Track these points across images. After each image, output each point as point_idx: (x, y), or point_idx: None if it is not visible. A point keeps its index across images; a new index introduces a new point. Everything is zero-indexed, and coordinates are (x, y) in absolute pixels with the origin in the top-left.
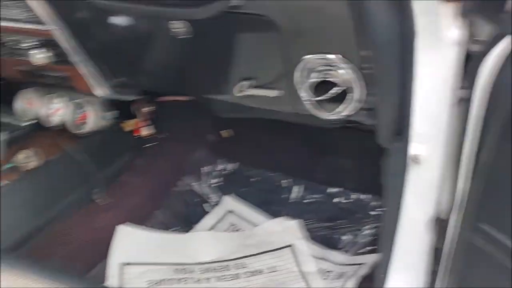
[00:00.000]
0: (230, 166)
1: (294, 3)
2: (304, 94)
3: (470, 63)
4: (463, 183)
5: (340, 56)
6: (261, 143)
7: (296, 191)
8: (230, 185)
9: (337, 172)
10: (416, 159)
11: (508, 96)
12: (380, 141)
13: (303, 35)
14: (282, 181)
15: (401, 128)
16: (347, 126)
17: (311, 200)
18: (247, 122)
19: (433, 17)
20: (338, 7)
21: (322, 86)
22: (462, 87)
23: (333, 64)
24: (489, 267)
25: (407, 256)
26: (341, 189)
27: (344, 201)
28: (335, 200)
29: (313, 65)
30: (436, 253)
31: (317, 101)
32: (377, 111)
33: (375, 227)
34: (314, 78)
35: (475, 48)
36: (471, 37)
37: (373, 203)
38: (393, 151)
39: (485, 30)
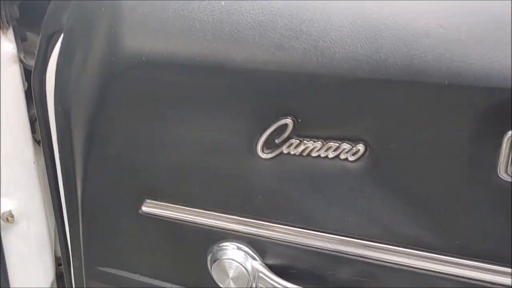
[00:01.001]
0: None
1: None
2: None
3: (32, 79)
4: (70, 226)
5: None
6: None
7: None
8: None
9: None
10: (8, 218)
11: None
12: None
13: None
14: None
15: None
16: None
17: None
18: None
19: None
20: None
21: None
22: (33, 114)
23: None
24: None
25: None
26: None
27: None
28: None
29: None
30: None
31: None
32: None
33: None
34: None
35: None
36: (28, 51)
37: None
38: None
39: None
